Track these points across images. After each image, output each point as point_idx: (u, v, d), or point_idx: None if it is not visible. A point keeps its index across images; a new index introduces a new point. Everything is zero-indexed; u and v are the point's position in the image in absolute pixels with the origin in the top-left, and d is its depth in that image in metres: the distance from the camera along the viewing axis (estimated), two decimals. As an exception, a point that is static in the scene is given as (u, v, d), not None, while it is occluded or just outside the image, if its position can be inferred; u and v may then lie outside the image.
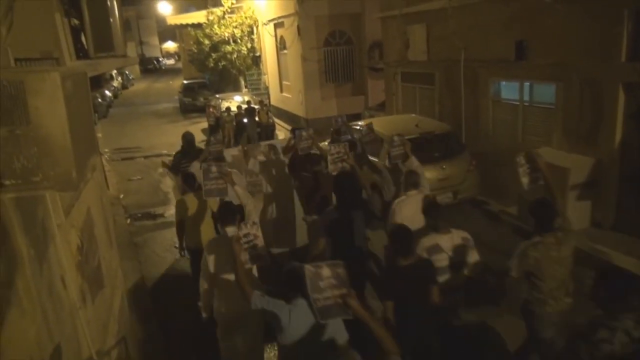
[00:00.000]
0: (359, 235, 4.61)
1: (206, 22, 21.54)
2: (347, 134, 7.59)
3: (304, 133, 6.21)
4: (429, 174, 7.61)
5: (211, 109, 15.41)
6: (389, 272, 4.05)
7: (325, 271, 2.78)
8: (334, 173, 5.22)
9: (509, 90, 8.60)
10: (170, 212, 8.96)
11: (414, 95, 11.65)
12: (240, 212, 4.36)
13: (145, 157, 14.12)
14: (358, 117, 13.79)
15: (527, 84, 8.01)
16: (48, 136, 1.89)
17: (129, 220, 9.07)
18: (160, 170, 10.07)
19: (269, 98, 21.14)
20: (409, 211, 4.65)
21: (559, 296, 3.78)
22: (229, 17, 21.17)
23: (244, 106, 14.86)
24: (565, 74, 7.02)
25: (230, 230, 4.04)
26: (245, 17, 21.13)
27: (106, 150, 14.88)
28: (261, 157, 6.67)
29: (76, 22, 4.39)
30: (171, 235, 7.60)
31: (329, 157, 5.53)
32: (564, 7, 6.74)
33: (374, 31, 14.65)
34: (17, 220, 2.40)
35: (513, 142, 8.29)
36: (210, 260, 4.14)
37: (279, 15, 17.74)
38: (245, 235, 3.62)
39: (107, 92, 27.86)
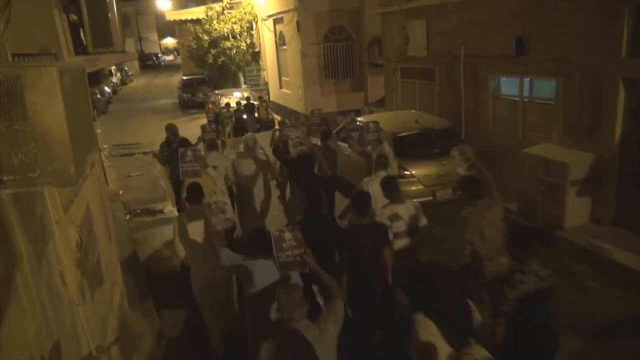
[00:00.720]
0: (323, 203, 5.21)
1: (205, 17, 21.46)
2: (324, 125, 8.21)
3: (292, 134, 6.51)
4: (429, 169, 7.64)
5: (210, 105, 15.39)
6: (350, 230, 4.68)
7: (287, 235, 3.46)
8: (294, 155, 5.92)
9: (508, 86, 8.58)
10: (170, 208, 8.95)
11: (413, 91, 11.63)
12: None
13: (145, 153, 14.08)
14: (358, 113, 13.76)
15: (527, 79, 7.98)
16: (46, 132, 1.88)
17: (128, 217, 9.06)
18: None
19: (268, 94, 21.10)
20: (376, 188, 5.13)
21: (494, 256, 4.28)
22: (228, 12, 21.09)
23: (244, 102, 14.84)
24: (565, 70, 7.00)
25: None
26: (245, 13, 21.06)
27: (105, 146, 14.85)
28: (240, 149, 7.16)
29: (75, 17, 4.37)
30: (170, 231, 7.58)
31: (290, 142, 6.30)
32: (564, 2, 6.72)
33: (373, 27, 14.60)
34: (16, 217, 2.39)
35: (513, 138, 8.28)
36: (189, 227, 4.60)
37: (278, 10, 17.69)
38: (216, 202, 4.35)
39: (106, 88, 27.82)
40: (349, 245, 4.38)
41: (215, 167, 5.88)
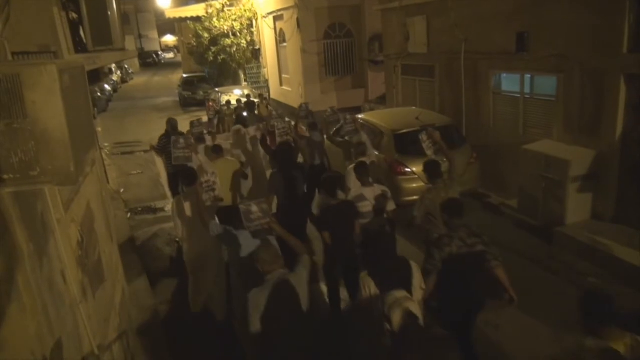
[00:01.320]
0: (300, 188, 5.87)
1: (205, 15, 21.42)
2: (311, 118, 8.86)
3: (279, 125, 7.37)
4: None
5: (211, 103, 15.38)
6: (324, 210, 5.23)
7: (254, 208, 4.07)
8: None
9: (509, 83, 8.56)
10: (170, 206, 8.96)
11: (414, 88, 11.61)
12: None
13: (145, 151, 14.05)
14: (358, 110, 13.75)
15: (528, 76, 7.97)
16: (46, 130, 1.88)
17: (129, 215, 9.07)
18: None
19: (268, 91, 21.08)
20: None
21: (441, 226, 4.67)
22: (228, 10, 21.06)
23: (244, 100, 14.82)
24: (566, 66, 6.98)
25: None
26: (245, 10, 21.03)
27: (106, 144, 14.84)
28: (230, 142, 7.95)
29: (74, 15, 4.36)
30: (171, 229, 7.61)
31: (277, 132, 7.26)
32: (566, -2, 6.71)
33: (374, 24, 14.59)
34: (17, 215, 2.39)
35: (514, 135, 8.27)
36: (185, 206, 5.21)
37: (279, 8, 17.66)
38: (207, 182, 4.93)
39: (107, 86, 27.79)
40: (326, 223, 5.04)
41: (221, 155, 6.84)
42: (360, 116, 9.31)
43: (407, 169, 7.55)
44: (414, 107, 10.26)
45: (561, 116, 7.29)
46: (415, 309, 3.28)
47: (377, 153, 7.67)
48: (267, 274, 3.48)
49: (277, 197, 5.85)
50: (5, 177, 1.89)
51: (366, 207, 5.19)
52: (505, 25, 8.03)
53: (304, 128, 8.60)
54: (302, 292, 3.52)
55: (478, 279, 4.03)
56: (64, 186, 2.32)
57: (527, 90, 8.04)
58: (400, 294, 3.35)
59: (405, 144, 7.81)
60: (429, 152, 5.78)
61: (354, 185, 5.61)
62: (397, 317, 3.20)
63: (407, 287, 3.54)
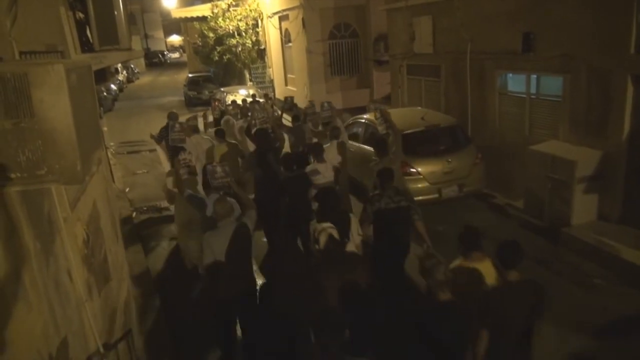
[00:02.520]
0: (272, 167, 6.54)
1: (211, 15, 21.46)
2: (294, 110, 10.13)
3: (259, 115, 8.51)
4: (435, 167, 7.61)
5: (216, 103, 15.39)
6: (285, 181, 6.28)
7: (218, 168, 5.46)
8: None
9: (515, 83, 8.53)
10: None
11: (419, 88, 11.59)
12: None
13: (151, 150, 14.11)
14: (363, 110, 13.74)
15: (534, 76, 7.93)
16: (53, 129, 1.88)
17: (134, 214, 9.10)
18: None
19: (274, 91, 21.09)
20: (331, 153, 6.86)
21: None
22: (233, 10, 21.09)
23: (249, 99, 14.84)
24: (572, 66, 6.95)
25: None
26: (250, 10, 21.05)
27: (112, 143, 14.90)
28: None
29: (81, 15, 4.39)
30: (176, 228, 7.62)
31: (256, 121, 8.44)
32: (572, -2, 6.67)
33: (379, 23, 14.57)
34: (24, 214, 2.40)
35: (519, 135, 8.24)
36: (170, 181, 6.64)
37: (284, 7, 17.67)
38: (184, 159, 5.78)
39: (113, 86, 27.90)
40: (286, 190, 6.20)
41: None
42: (365, 116, 9.30)
43: (413, 169, 7.53)
44: (419, 107, 10.23)
45: (567, 116, 7.26)
46: (336, 234, 4.22)
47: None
48: (220, 221, 4.54)
49: (253, 174, 6.82)
50: (13, 175, 1.90)
51: (319, 179, 6.29)
52: (511, 25, 8.00)
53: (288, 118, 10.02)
54: (245, 237, 4.53)
55: (403, 230, 5.11)
56: (70, 185, 2.34)
57: (533, 90, 8.01)
58: (327, 224, 4.26)
59: (411, 144, 7.78)
60: (380, 128, 6.82)
61: (335, 162, 6.80)
62: (323, 239, 4.17)
63: (347, 232, 4.43)
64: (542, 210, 6.99)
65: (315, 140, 8.07)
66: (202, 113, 14.25)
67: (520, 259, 3.36)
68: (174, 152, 7.53)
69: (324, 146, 6.91)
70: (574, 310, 5.14)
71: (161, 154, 10.82)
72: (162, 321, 5.56)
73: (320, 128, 8.77)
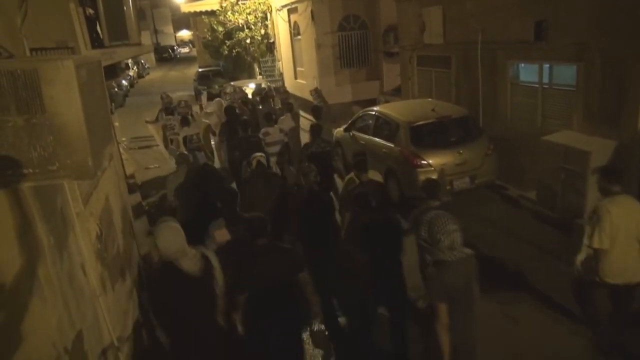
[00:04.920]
0: (239, 134, 8.19)
1: (220, 9, 21.43)
2: (269, 98, 11.81)
3: (235, 97, 11.88)
4: (446, 158, 7.56)
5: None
6: (241, 139, 8.00)
7: (195, 137, 8.57)
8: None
9: (527, 73, 8.42)
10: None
11: (430, 79, 11.49)
12: None
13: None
14: (373, 102, 13.67)
15: (546, 65, 7.82)
16: (63, 125, 1.89)
17: (146, 208, 9.15)
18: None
19: (283, 84, 21.05)
20: (286, 121, 9.09)
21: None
22: (242, 3, 21.04)
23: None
24: (586, 55, 6.83)
25: None
26: (259, 4, 20.98)
27: (123, 139, 14.98)
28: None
29: (91, 11, 4.40)
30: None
31: (226, 97, 11.79)
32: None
33: (388, 15, 14.44)
34: (37, 209, 2.42)
35: (532, 126, 8.14)
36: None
37: (292, 0, 17.59)
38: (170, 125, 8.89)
39: (124, 81, 28.04)
40: (241, 146, 7.76)
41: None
42: (375, 108, 9.26)
43: (424, 161, 7.48)
44: (429, 99, 10.15)
45: (581, 106, 7.15)
46: (264, 161, 6.03)
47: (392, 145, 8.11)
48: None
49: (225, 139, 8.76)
50: (25, 171, 1.92)
51: (271, 138, 8.25)
52: (522, 14, 7.89)
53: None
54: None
55: (329, 169, 7.09)
56: (82, 180, 2.35)
57: (545, 80, 7.90)
58: (259, 154, 6.14)
59: (421, 136, 7.74)
60: (316, 102, 9.28)
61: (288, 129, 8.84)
62: (254, 163, 5.99)
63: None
64: (555, 201, 6.91)
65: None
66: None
67: (364, 165, 5.59)
68: (183, 122, 9.51)
69: (281, 118, 9.34)
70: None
71: (154, 131, 11.88)
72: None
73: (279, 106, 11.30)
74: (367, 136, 8.87)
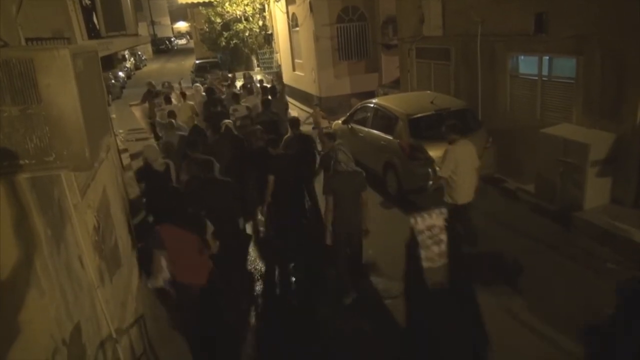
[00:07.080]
0: (213, 110, 10.07)
1: (217, 0, 21.31)
2: (249, 85, 13.33)
3: (215, 82, 14.27)
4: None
5: (223, 89, 15.35)
6: (214, 114, 9.74)
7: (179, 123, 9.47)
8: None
9: (527, 65, 8.38)
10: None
11: (429, 72, 11.45)
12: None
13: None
14: (372, 94, 13.62)
15: (546, 58, 7.79)
16: (60, 115, 1.86)
17: (144, 200, 9.12)
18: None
19: (281, 76, 20.97)
20: (253, 101, 10.82)
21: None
22: (240, -6, 20.94)
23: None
24: (586, 47, 6.80)
25: None
26: (257, -5, 20.88)
27: (121, 131, 14.92)
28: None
29: (87, 1, 4.36)
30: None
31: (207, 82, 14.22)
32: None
33: (387, 6, 14.36)
34: (33, 200, 2.40)
35: (531, 118, 8.12)
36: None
37: (291, -9, 17.46)
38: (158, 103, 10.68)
39: (120, 73, 27.89)
40: (212, 119, 9.13)
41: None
42: (374, 100, 9.23)
43: (422, 153, 7.46)
44: (428, 91, 10.11)
45: (580, 99, 7.13)
46: (231, 126, 7.76)
47: (391, 137, 8.09)
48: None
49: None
50: (21, 162, 1.89)
51: (238, 113, 9.89)
52: (523, 6, 7.84)
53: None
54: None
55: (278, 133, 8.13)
56: (79, 171, 2.33)
57: (545, 72, 7.87)
58: (228, 121, 7.84)
59: (420, 129, 7.72)
60: (275, 84, 10.99)
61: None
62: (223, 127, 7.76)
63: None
64: (554, 194, 6.91)
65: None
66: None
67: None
68: (167, 100, 11.13)
69: (246, 97, 11.24)
70: (586, 295, 5.10)
71: (137, 112, 13.47)
72: (172, 307, 5.58)
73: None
74: (365, 128, 8.84)
